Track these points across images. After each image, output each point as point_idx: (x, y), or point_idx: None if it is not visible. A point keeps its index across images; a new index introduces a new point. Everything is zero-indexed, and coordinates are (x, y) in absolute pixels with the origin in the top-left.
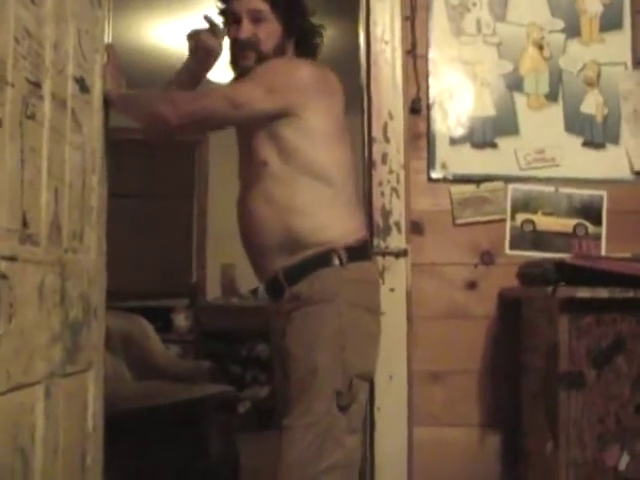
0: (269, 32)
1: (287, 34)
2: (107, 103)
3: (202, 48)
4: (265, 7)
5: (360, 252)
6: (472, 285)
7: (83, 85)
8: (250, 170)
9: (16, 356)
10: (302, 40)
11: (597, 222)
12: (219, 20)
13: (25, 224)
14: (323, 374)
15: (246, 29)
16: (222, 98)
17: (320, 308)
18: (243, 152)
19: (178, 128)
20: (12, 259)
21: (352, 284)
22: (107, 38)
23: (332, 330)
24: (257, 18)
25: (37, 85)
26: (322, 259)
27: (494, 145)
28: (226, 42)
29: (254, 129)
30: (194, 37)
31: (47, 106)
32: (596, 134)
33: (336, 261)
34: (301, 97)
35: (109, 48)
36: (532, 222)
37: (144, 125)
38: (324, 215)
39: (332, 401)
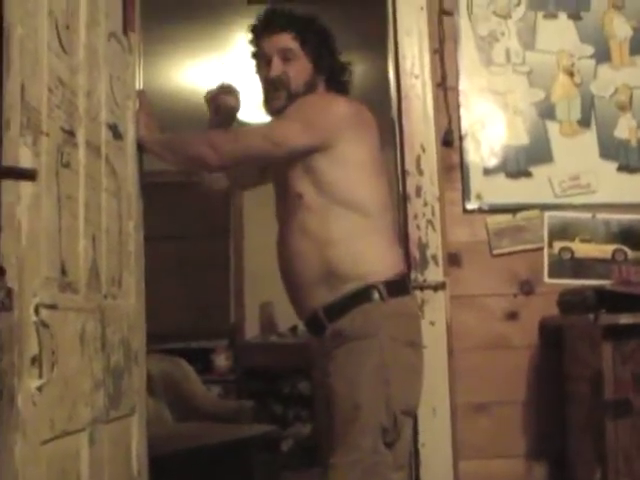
0: (299, 70)
1: (317, 71)
2: (140, 148)
3: (224, 108)
4: (295, 45)
5: (400, 286)
6: (512, 315)
7: (116, 131)
8: (286, 204)
9: (60, 404)
10: (333, 77)
11: (636, 247)
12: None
13: (64, 272)
14: (367, 410)
15: (276, 67)
16: (261, 137)
17: (362, 344)
18: (279, 187)
19: (220, 168)
20: (53, 307)
21: (393, 319)
22: (138, 83)
23: (375, 365)
24: (287, 57)
25: (71, 134)
26: (362, 295)
27: (528, 174)
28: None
29: (290, 163)
30: (213, 99)
31: (82, 154)
32: (631, 158)
33: (376, 296)
34: (337, 131)
35: (141, 94)
36: (570, 249)
37: (184, 167)
38: (361, 245)
39: (378, 438)
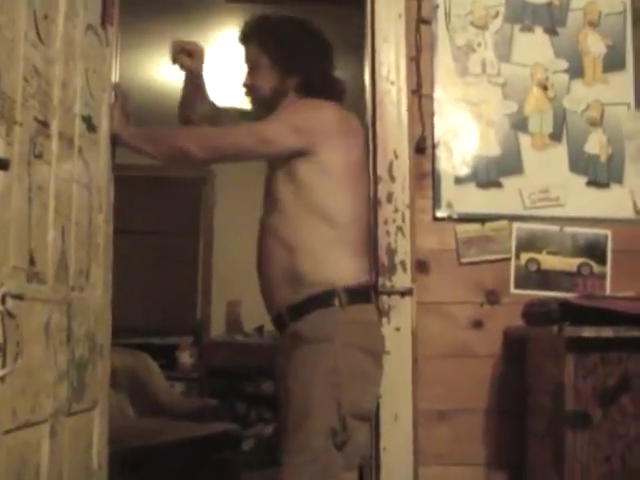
0: (262, 78)
1: (285, 75)
2: (115, 141)
3: (182, 68)
4: (257, 55)
5: (360, 295)
6: (477, 324)
7: (90, 124)
8: (267, 204)
9: (23, 394)
10: (308, 80)
11: (601, 261)
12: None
13: (32, 262)
14: (318, 411)
15: (244, 77)
16: (249, 135)
17: (317, 347)
18: (265, 187)
19: (203, 162)
20: (19, 297)
21: (349, 325)
22: (114, 77)
23: (327, 369)
24: (253, 66)
25: (45, 124)
26: (323, 299)
27: (499, 184)
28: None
29: (275, 165)
30: (174, 59)
31: (54, 145)
32: (600, 174)
33: (336, 302)
34: (322, 137)
35: (116, 88)
36: (537, 261)
37: (164, 160)
38: (325, 255)
39: (328, 438)
